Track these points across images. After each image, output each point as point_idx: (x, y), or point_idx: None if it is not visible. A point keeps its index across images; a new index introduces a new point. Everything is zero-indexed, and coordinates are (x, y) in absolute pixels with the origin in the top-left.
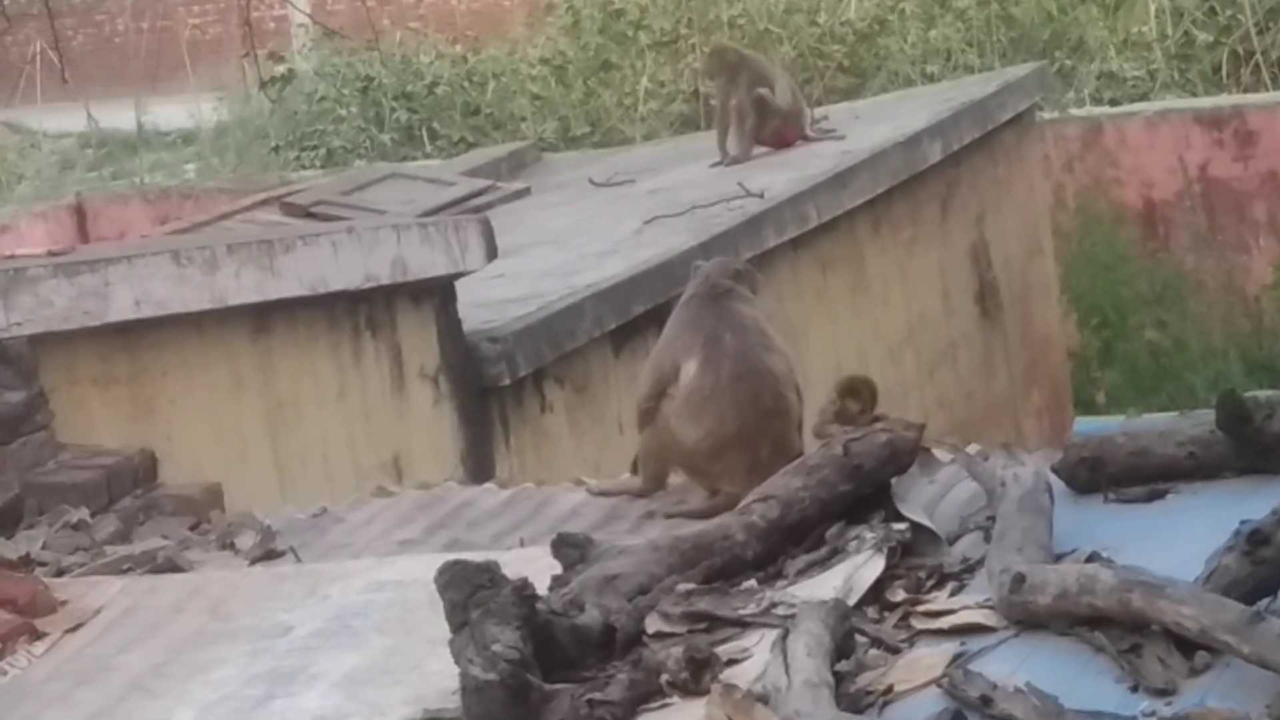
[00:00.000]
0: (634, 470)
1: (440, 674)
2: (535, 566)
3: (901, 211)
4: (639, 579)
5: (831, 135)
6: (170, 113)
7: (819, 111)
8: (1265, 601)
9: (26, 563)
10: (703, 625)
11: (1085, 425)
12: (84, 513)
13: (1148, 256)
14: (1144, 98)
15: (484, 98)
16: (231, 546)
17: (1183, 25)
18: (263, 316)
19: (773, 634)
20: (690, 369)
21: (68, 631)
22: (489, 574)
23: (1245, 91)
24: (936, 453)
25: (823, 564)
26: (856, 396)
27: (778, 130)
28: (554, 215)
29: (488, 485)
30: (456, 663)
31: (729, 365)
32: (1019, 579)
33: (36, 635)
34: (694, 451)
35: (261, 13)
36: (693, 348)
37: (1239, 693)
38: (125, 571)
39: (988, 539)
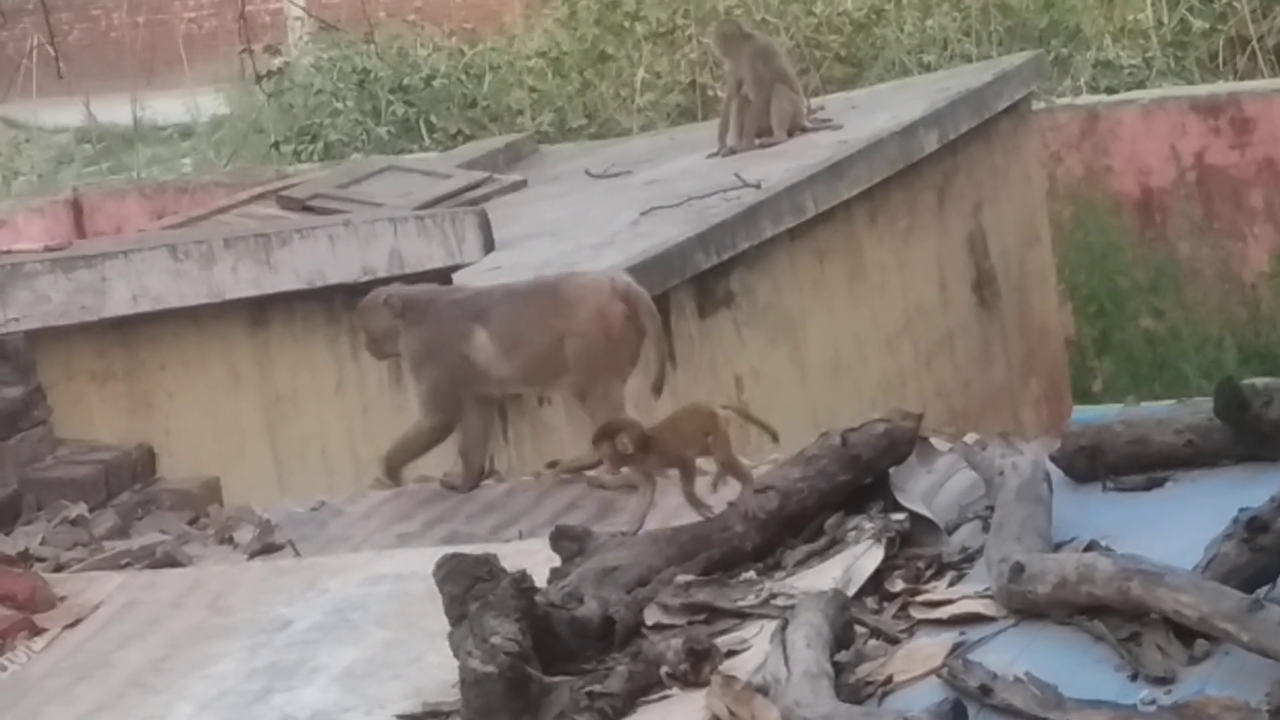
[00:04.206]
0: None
1: (440, 667)
2: (534, 559)
3: (898, 201)
4: (638, 571)
5: (828, 125)
6: (166, 107)
7: (815, 102)
8: (1264, 589)
9: (25, 558)
10: (702, 617)
11: (1083, 414)
12: (82, 508)
13: (1144, 245)
14: (1140, 86)
15: (481, 90)
16: (230, 541)
17: (1179, 13)
18: (260, 310)
19: (772, 625)
20: (481, 337)
21: (67, 627)
22: (488, 567)
23: (1242, 79)
24: (935, 442)
25: (822, 554)
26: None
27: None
28: (551, 207)
29: (486, 481)
30: (456, 655)
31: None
32: (1018, 568)
33: (36, 631)
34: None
35: (256, 6)
36: (467, 329)
37: (1238, 680)
38: (124, 566)
39: (986, 528)
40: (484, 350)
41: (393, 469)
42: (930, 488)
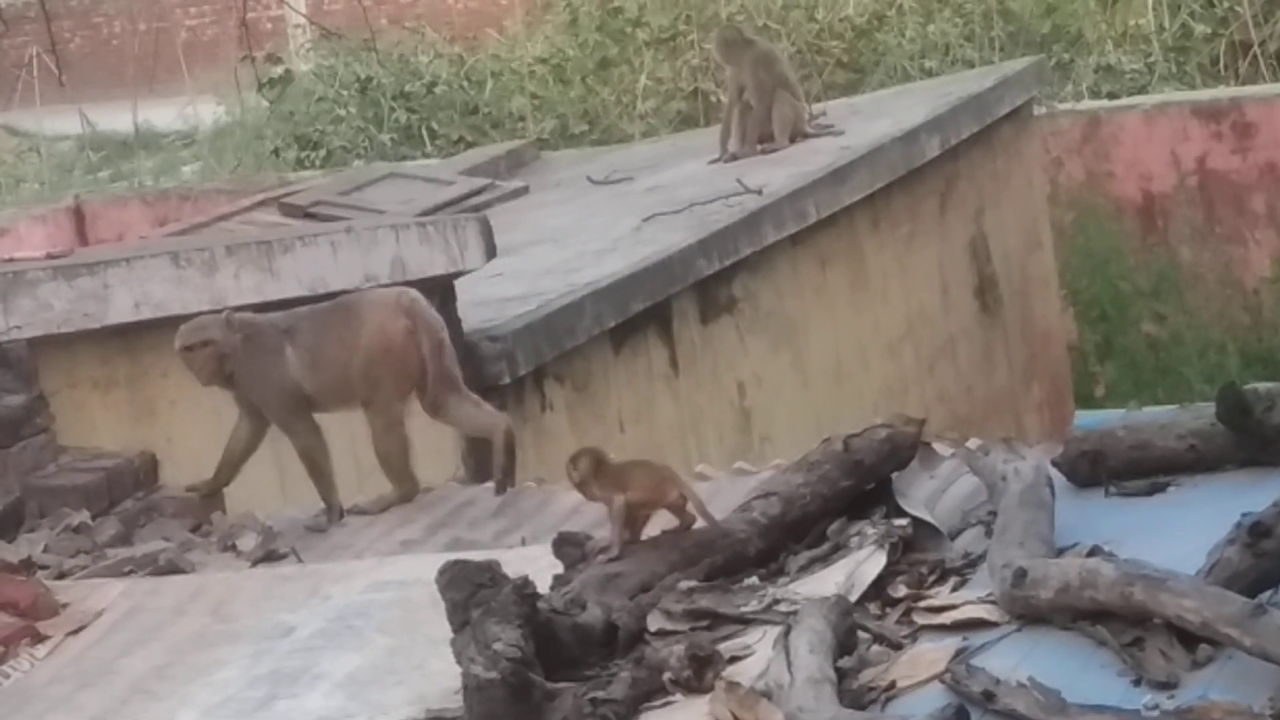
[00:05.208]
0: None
1: (443, 673)
2: (537, 565)
3: (900, 207)
4: (640, 577)
5: (830, 131)
6: (168, 114)
7: (817, 107)
8: (1267, 594)
9: (28, 566)
10: (705, 623)
11: (1086, 419)
12: (85, 515)
13: (1146, 250)
14: (1142, 91)
15: (482, 96)
16: (233, 548)
17: (1180, 18)
18: None
19: (775, 631)
20: (290, 354)
21: (70, 634)
22: (490, 573)
23: (1243, 84)
24: (937, 447)
25: (824, 560)
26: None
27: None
28: (553, 213)
29: (488, 485)
30: (458, 662)
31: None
32: (1021, 573)
33: (38, 638)
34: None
35: (258, 13)
36: (281, 347)
37: (1241, 685)
38: (127, 574)
39: (989, 534)
40: (294, 367)
41: (333, 507)
42: (933, 493)
